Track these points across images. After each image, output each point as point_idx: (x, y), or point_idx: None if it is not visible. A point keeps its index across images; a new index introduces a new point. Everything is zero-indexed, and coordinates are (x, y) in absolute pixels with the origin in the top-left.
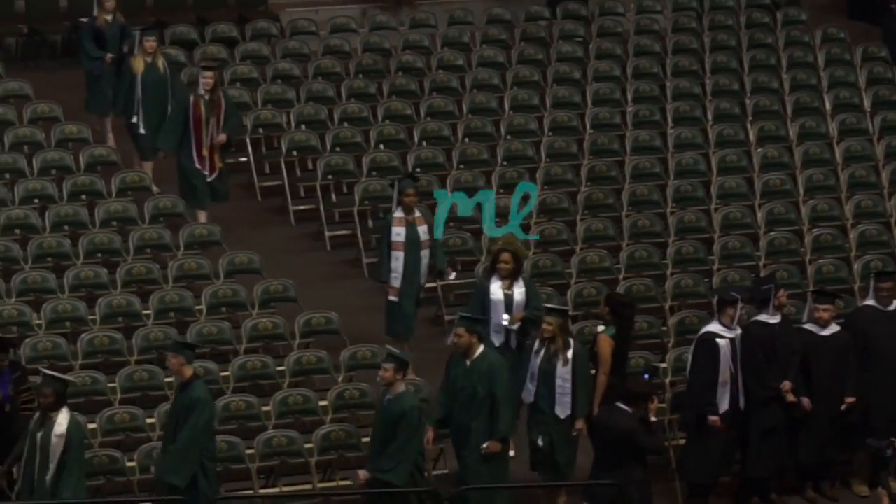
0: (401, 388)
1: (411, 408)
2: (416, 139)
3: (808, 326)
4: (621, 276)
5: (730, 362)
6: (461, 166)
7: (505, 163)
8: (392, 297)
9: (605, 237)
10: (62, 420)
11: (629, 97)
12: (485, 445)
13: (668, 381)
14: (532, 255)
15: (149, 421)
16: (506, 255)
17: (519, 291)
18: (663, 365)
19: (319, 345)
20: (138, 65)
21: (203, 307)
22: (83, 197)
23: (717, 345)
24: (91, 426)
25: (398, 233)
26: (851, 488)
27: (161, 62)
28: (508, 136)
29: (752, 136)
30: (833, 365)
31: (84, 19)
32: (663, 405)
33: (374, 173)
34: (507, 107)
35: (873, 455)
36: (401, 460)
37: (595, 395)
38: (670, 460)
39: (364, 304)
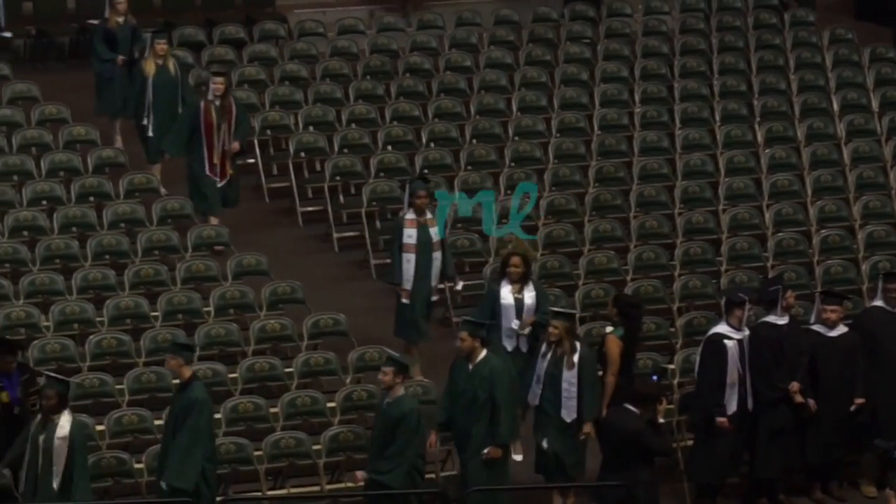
0: (400, 391)
1: (410, 411)
2: (423, 140)
3: (815, 327)
4: (629, 278)
5: (738, 363)
6: (469, 167)
7: (513, 164)
8: (405, 300)
9: (612, 238)
10: (64, 422)
11: (637, 98)
12: (486, 451)
13: (676, 382)
14: (540, 256)
15: (157, 423)
16: (516, 259)
17: (529, 295)
18: (671, 366)
19: (327, 346)
20: (149, 67)
21: (211, 309)
22: (91, 199)
23: (724, 346)
24: (99, 428)
25: (410, 235)
26: (859, 489)
27: (172, 64)
28: (516, 138)
29: (759, 137)
30: (841, 366)
31: (93, 21)
32: (671, 406)
33: (381, 174)
34: (514, 108)
35: (881, 456)
36: (399, 463)
37: (603, 397)
38: (678, 461)
39: (372, 306)
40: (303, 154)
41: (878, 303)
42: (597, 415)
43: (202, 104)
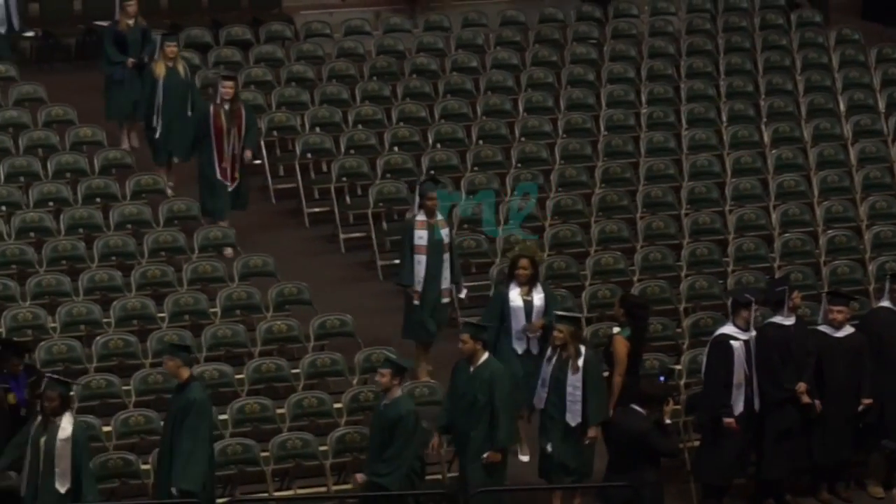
0: (397, 392)
1: (407, 412)
2: (430, 141)
3: (822, 328)
4: (636, 278)
5: (744, 364)
6: (475, 168)
7: (519, 165)
8: (417, 302)
9: (619, 239)
10: (66, 424)
11: (643, 99)
12: (485, 455)
13: (682, 382)
14: (546, 257)
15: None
16: (524, 261)
17: (538, 297)
18: (678, 367)
19: (334, 347)
20: (159, 69)
21: (218, 310)
22: (98, 200)
23: (731, 347)
24: (106, 429)
25: (420, 236)
26: (866, 490)
27: (182, 67)
28: (523, 139)
29: (766, 138)
30: (847, 366)
31: (100, 23)
32: (678, 407)
33: (388, 175)
34: (521, 109)
35: (888, 456)
36: (398, 465)
37: (610, 397)
38: (685, 462)
39: (379, 307)
40: (309, 155)
41: (885, 303)
42: (602, 419)
43: (212, 108)
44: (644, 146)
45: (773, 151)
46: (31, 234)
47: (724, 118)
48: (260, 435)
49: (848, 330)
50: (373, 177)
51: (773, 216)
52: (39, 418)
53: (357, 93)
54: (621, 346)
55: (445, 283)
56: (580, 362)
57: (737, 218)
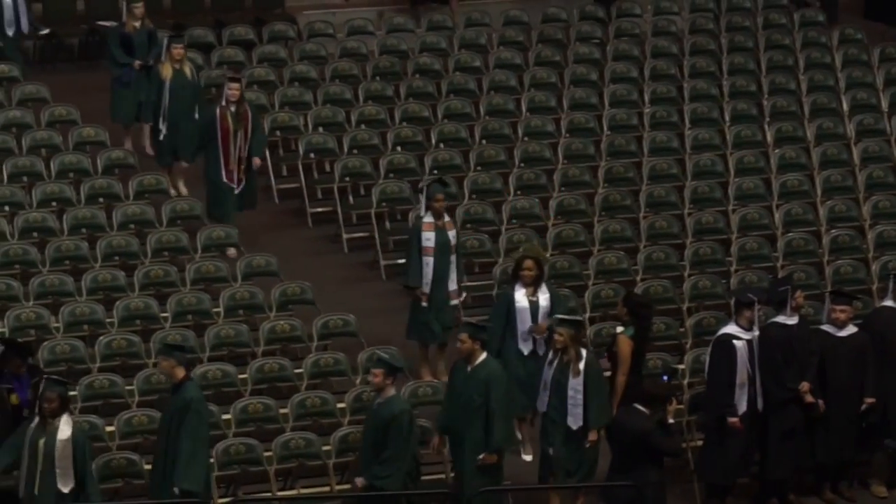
0: (391, 391)
1: (401, 412)
2: (433, 141)
3: (825, 327)
4: (639, 278)
5: (747, 364)
6: (478, 168)
7: (522, 164)
8: (425, 303)
9: (622, 238)
10: (65, 426)
11: (646, 98)
12: (480, 457)
13: (685, 382)
14: (549, 256)
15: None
16: (529, 262)
17: (544, 297)
18: (681, 366)
19: (337, 347)
20: (166, 71)
21: (221, 310)
22: (101, 200)
23: (733, 346)
24: (109, 429)
25: (428, 238)
26: (870, 489)
27: (189, 69)
28: (526, 138)
29: (769, 138)
30: (850, 366)
31: (102, 23)
32: (681, 406)
33: (391, 175)
34: (524, 108)
35: (892, 456)
36: (398, 467)
37: (614, 396)
38: (688, 461)
39: (382, 307)
40: (312, 155)
41: (889, 303)
42: (604, 423)
43: (218, 111)
44: (647, 146)
45: (777, 151)
46: (35, 234)
47: (728, 118)
48: (263, 435)
49: (851, 329)
50: (376, 176)
51: (777, 216)
52: (37, 419)
53: (360, 92)
54: (625, 346)
55: (452, 284)
56: (581, 366)
57: (740, 217)
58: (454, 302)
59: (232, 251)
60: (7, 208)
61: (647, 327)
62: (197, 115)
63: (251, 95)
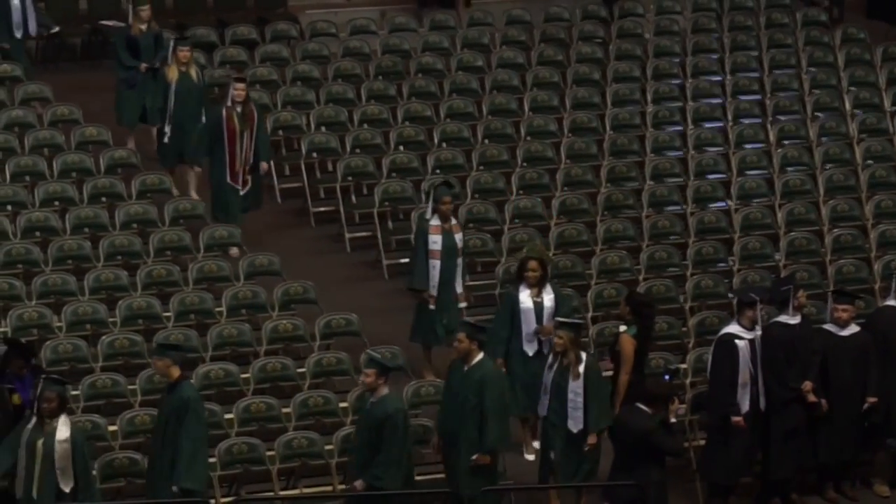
0: (384, 391)
1: (395, 411)
2: (435, 140)
3: (827, 327)
4: (641, 277)
5: (749, 363)
6: (481, 167)
7: (525, 164)
8: (432, 306)
9: (625, 238)
10: (63, 425)
11: (649, 98)
12: (474, 457)
13: (688, 381)
14: (552, 255)
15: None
16: (533, 263)
17: (548, 298)
18: (683, 366)
19: (339, 346)
20: (172, 74)
21: (223, 309)
22: (103, 199)
23: (735, 346)
24: (111, 428)
25: (435, 241)
26: (872, 489)
27: (194, 71)
28: (528, 138)
29: (771, 137)
30: (853, 365)
31: (105, 22)
32: (684, 405)
33: (393, 175)
34: (526, 108)
35: (894, 455)
36: (397, 466)
37: (617, 395)
38: (690, 461)
39: (384, 306)
40: (315, 154)
41: (891, 302)
42: (604, 426)
43: (224, 111)
44: (649, 145)
45: (779, 150)
46: (37, 234)
47: (730, 116)
48: (265, 434)
49: (853, 328)
50: (378, 176)
51: (779, 215)
52: (34, 420)
53: (363, 92)
54: (628, 345)
55: (459, 287)
56: (581, 368)
57: (742, 217)
58: (462, 304)
59: (234, 251)
60: (9, 208)
61: (650, 327)
62: (204, 119)
63: (254, 95)
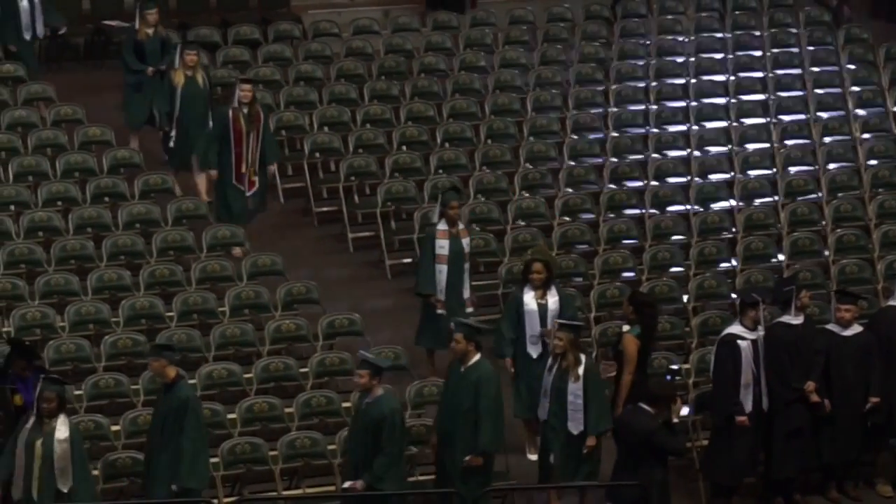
0: (379, 391)
1: (391, 411)
2: (438, 140)
3: (830, 327)
4: (644, 277)
5: (752, 364)
6: (484, 167)
7: (528, 164)
8: (441, 311)
9: (627, 238)
10: (62, 425)
11: (651, 97)
12: (466, 458)
13: (691, 381)
14: (554, 255)
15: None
16: (538, 265)
17: (553, 300)
18: (686, 365)
19: (342, 346)
20: (178, 78)
21: (226, 309)
22: (106, 199)
23: (738, 346)
24: (114, 428)
25: (442, 245)
26: (875, 489)
27: (201, 76)
28: (531, 137)
29: (774, 136)
30: (855, 365)
31: (108, 22)
32: (687, 405)
33: (396, 175)
34: (529, 108)
35: None
36: (397, 466)
37: (619, 395)
38: (693, 461)
39: (387, 306)
40: (318, 154)
41: (894, 302)
42: (604, 429)
43: (230, 112)
44: (652, 144)
45: (782, 150)
46: (40, 234)
47: (733, 116)
48: (268, 434)
49: (856, 329)
50: (381, 176)
51: (782, 215)
52: (32, 420)
53: (365, 92)
54: (631, 345)
55: (466, 292)
56: (580, 371)
57: (746, 217)
58: (469, 310)
59: (237, 250)
60: (12, 208)
61: (653, 326)
62: (211, 123)
63: (256, 95)
